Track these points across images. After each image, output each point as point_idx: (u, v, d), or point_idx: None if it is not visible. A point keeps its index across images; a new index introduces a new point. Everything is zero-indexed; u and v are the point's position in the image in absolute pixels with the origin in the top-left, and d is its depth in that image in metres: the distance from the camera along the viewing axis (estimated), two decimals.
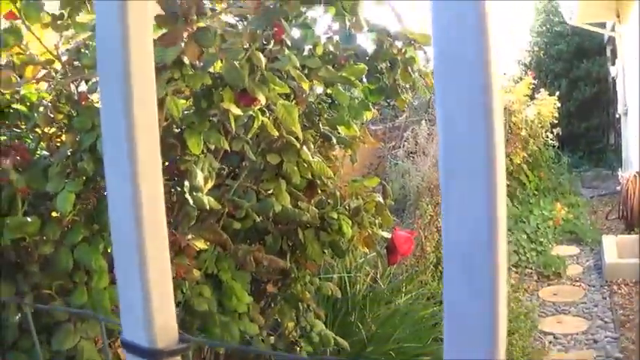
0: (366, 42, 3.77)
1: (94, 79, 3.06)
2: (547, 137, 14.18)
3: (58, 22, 3.06)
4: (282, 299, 3.88)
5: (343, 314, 5.63)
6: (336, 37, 3.73)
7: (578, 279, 10.01)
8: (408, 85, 3.88)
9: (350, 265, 6.01)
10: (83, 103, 2.97)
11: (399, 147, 9.47)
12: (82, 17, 3.11)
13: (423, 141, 9.19)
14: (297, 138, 3.41)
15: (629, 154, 14.40)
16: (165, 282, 0.78)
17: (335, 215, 3.64)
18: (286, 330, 3.93)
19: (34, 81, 3.16)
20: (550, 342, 7.87)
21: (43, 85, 3.28)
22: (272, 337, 3.85)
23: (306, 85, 3.22)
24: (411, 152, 9.20)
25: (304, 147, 3.46)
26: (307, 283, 3.93)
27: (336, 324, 5.52)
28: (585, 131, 19.71)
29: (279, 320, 3.89)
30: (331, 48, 3.72)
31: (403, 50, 3.74)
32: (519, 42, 21.49)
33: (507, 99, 12.87)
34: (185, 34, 2.81)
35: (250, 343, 3.51)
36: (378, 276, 6.24)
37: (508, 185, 12.48)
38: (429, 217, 7.80)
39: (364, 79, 3.75)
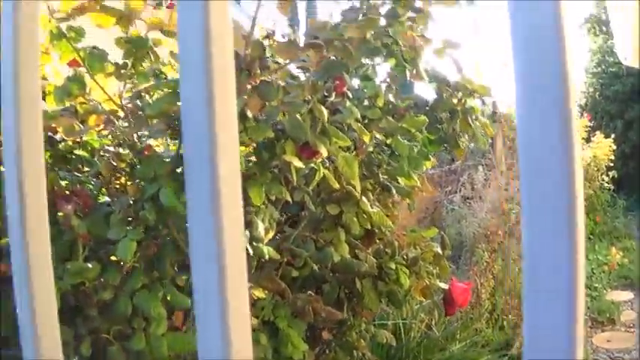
0: (425, 90, 3.78)
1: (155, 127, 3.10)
2: (602, 180, 14.04)
3: (122, 71, 3.10)
4: (336, 346, 3.86)
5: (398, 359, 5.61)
6: (395, 87, 3.74)
7: (632, 325, 9.83)
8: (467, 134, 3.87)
9: (405, 313, 5.98)
10: (146, 153, 3.00)
11: (456, 192, 9.44)
12: (146, 66, 3.15)
13: (480, 186, 9.14)
14: (356, 188, 3.41)
15: None
16: (245, 331, 0.78)
17: (393, 265, 3.63)
18: None
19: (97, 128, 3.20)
20: None
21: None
22: None
23: (367, 138, 3.22)
24: (468, 197, 9.15)
25: (363, 197, 3.45)
26: (362, 331, 3.91)
27: None
28: None
29: None
30: (391, 98, 3.72)
31: (463, 100, 3.73)
32: (576, 83, 21.35)
33: None
34: (248, 87, 2.83)
35: None
36: (433, 323, 6.19)
37: None
38: (484, 264, 7.73)
39: (423, 129, 3.75)
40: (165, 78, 3.38)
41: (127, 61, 3.09)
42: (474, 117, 3.76)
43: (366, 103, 3.62)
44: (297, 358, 3.44)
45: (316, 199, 3.45)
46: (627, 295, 11.05)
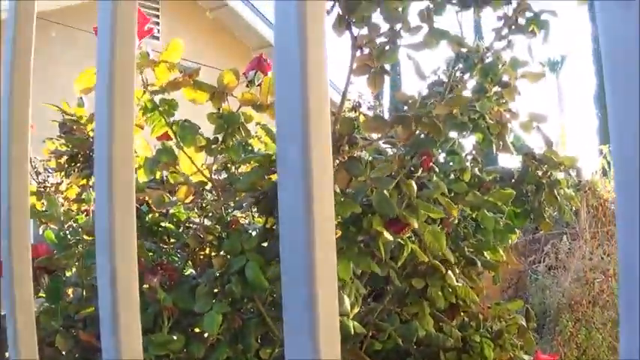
0: (509, 161, 3.75)
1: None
2: None
3: (213, 145, 3.13)
4: None
5: None
6: (481, 159, 3.72)
7: None
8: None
9: None
10: (233, 226, 3.01)
11: (539, 261, 9.29)
12: (236, 141, 3.18)
13: (564, 255, 8.99)
14: (443, 261, 3.37)
15: None
16: None
17: (477, 338, 3.56)
18: None
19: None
20: None
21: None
22: None
23: (455, 212, 3.18)
24: (551, 267, 9.00)
25: (449, 271, 3.41)
26: None
27: None
28: None
29: None
30: (477, 171, 3.69)
31: (549, 173, 3.68)
32: None
33: None
34: (335, 162, 2.83)
35: None
36: None
37: None
38: (568, 334, 7.57)
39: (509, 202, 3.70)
40: (253, 151, 3.40)
41: (217, 135, 3.12)
42: (559, 189, 3.70)
43: (452, 176, 3.58)
44: None
45: (401, 273, 3.41)
46: None
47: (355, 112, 3.57)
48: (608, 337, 8.38)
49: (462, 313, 3.72)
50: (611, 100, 0.67)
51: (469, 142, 3.74)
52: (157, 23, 12.75)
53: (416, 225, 2.89)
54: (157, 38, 12.03)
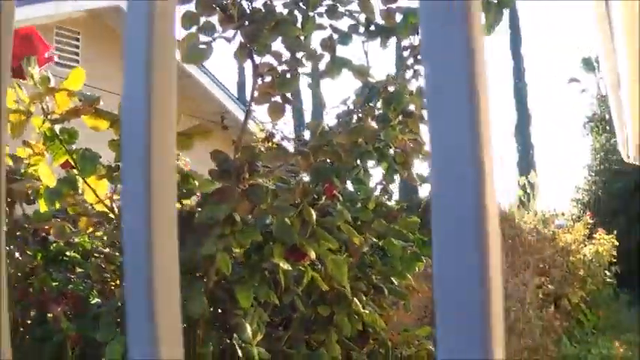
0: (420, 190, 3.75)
1: None
2: (605, 276, 13.95)
3: (114, 173, 3.07)
4: None
5: None
6: (389, 189, 3.73)
7: None
8: None
9: None
10: None
11: None
12: None
13: None
14: (352, 289, 3.36)
15: None
16: None
17: None
18: None
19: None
20: None
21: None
22: None
23: (357, 240, 3.17)
24: None
25: (355, 299, 3.39)
26: None
27: None
28: None
29: None
30: (385, 200, 3.70)
31: None
32: (577, 181, 21.44)
33: (566, 239, 12.77)
34: (238, 191, 2.81)
35: None
36: None
37: (566, 324, 12.24)
38: None
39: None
40: None
41: (118, 163, 3.06)
42: None
43: (359, 205, 3.58)
44: None
45: (308, 300, 3.39)
46: None
47: (268, 142, 3.54)
48: None
49: (371, 341, 3.71)
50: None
51: (380, 172, 3.75)
52: (77, 47, 12.59)
53: (313, 255, 2.87)
54: (77, 62, 11.86)
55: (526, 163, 18.79)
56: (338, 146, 2.93)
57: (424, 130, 3.57)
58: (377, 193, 3.70)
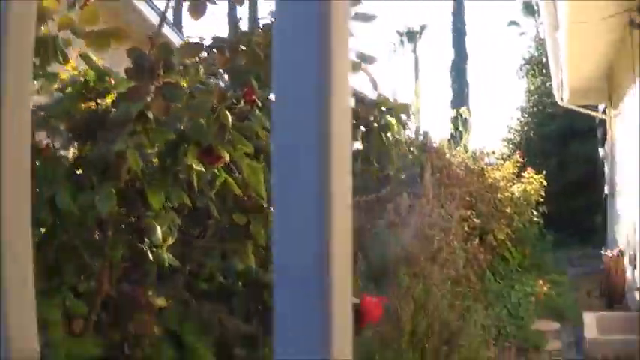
0: None
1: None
2: (533, 215, 14.13)
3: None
4: None
5: None
6: None
7: (557, 354, 9.89)
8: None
9: None
10: (45, 154, 2.88)
11: (382, 218, 9.41)
12: (54, 67, 3.04)
13: (405, 213, 9.12)
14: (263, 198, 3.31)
15: (613, 233, 14.36)
16: None
17: None
18: None
19: None
20: None
21: None
22: None
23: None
24: (392, 223, 9.12)
25: (272, 208, 3.35)
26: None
27: None
28: (573, 210, 19.60)
29: None
30: None
31: (379, 117, 3.68)
32: (510, 122, 21.63)
33: (494, 176, 12.87)
34: (153, 89, 2.74)
35: None
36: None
37: (492, 260, 12.40)
38: (405, 288, 7.67)
39: None
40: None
41: (34, 60, 2.97)
42: (390, 134, 3.70)
43: None
44: None
45: (224, 209, 3.35)
46: (553, 326, 11.14)
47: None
48: (448, 293, 8.57)
49: None
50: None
51: None
52: None
53: (227, 157, 2.82)
54: None
55: (460, 101, 18.86)
56: (256, 45, 2.86)
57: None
58: None
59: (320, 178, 0.59)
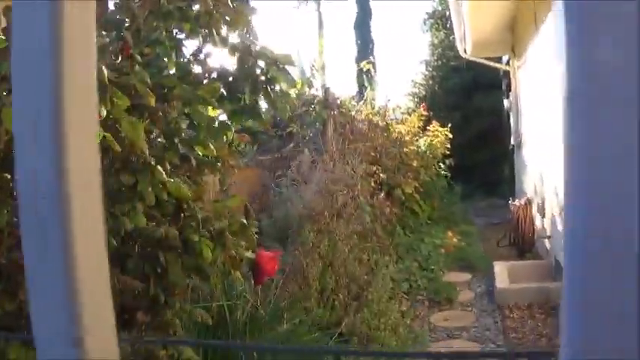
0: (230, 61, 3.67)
1: None
2: (439, 168, 14.28)
3: None
4: (152, 327, 3.70)
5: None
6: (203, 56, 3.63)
7: (469, 304, 9.99)
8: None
9: (228, 293, 5.88)
10: None
11: (284, 176, 9.39)
12: None
13: (306, 169, 9.10)
14: (153, 157, 3.26)
15: (521, 184, 14.58)
16: None
17: (196, 238, 3.49)
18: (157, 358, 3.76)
19: None
20: None
21: None
22: None
23: (152, 100, 3.05)
24: (295, 180, 9.11)
25: (159, 167, 3.30)
26: (179, 311, 3.77)
27: (218, 352, 5.37)
28: (479, 162, 19.87)
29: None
30: (196, 68, 3.60)
31: (265, 70, 3.63)
32: (414, 76, 21.79)
33: (399, 130, 12.93)
34: None
35: None
36: (259, 303, 6.08)
37: (401, 214, 12.50)
38: (310, 244, 7.66)
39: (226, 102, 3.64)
40: None
41: None
42: (276, 87, 3.66)
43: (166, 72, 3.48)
44: None
45: (111, 170, 3.28)
46: (464, 277, 11.27)
47: None
48: (355, 249, 8.60)
49: (185, 216, 3.65)
50: None
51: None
52: None
53: (104, 113, 2.75)
54: None
55: (365, 57, 18.85)
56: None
57: None
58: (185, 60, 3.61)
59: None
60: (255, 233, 3.91)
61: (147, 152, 3.08)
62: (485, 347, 8.06)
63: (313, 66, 10.75)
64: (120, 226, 3.24)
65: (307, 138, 10.37)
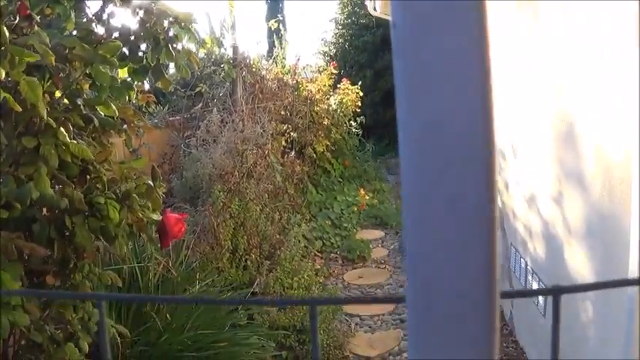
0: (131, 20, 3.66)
1: None
2: (351, 126, 14.34)
3: None
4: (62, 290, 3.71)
5: (137, 305, 5.49)
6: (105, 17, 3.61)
7: (383, 261, 10.15)
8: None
9: (139, 256, 5.89)
10: None
11: (193, 136, 9.36)
12: None
13: (215, 129, 9.08)
14: (56, 118, 3.24)
15: None
16: None
17: (102, 200, 3.50)
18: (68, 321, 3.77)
19: None
20: (357, 324, 7.87)
21: None
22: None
23: (51, 59, 3.04)
24: (204, 140, 9.09)
25: (62, 129, 3.29)
26: (89, 274, 3.78)
27: (130, 315, 5.39)
28: (391, 120, 19.96)
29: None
30: (99, 30, 3.59)
31: (167, 28, 3.64)
32: (325, 34, 21.77)
33: (309, 89, 12.93)
34: None
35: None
36: (171, 265, 6.11)
37: (313, 173, 12.57)
38: (221, 204, 7.67)
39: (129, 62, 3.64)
40: None
41: None
42: (178, 46, 3.67)
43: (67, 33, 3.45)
44: (14, 303, 3.27)
45: (13, 133, 3.26)
46: (377, 234, 11.40)
47: None
48: (266, 208, 8.65)
49: (90, 178, 3.65)
50: None
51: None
52: None
53: (3, 74, 2.74)
54: None
55: (275, 16, 18.73)
56: None
57: None
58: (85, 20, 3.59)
59: None
60: (166, 194, 3.92)
61: (45, 114, 3.07)
62: (399, 304, 8.14)
63: (223, 25, 10.69)
64: (25, 193, 3.23)
65: (216, 98, 10.33)
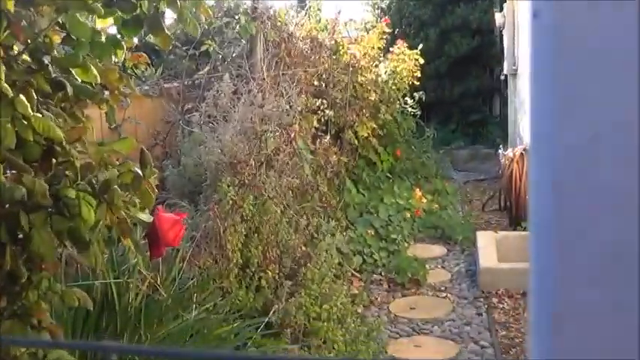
0: None
1: None
2: (406, 104, 14.17)
3: None
4: (10, 315, 3.67)
5: (110, 334, 5.44)
6: None
7: (443, 288, 9.95)
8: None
9: (117, 269, 5.83)
10: None
11: (196, 110, 9.26)
12: None
13: (226, 102, 8.92)
14: (14, 83, 3.22)
15: (517, 127, 14.44)
16: None
17: (72, 193, 3.46)
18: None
19: None
20: None
21: None
22: None
23: (9, 4, 3.02)
24: (210, 117, 8.96)
25: (22, 96, 3.25)
26: (47, 291, 3.74)
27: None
28: (460, 98, 19.78)
29: None
30: None
31: None
32: None
33: (352, 53, 12.76)
34: None
35: None
36: (159, 282, 6.03)
37: (353, 165, 12.45)
38: (230, 203, 7.54)
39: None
40: None
41: None
42: None
43: None
44: None
45: None
46: (437, 251, 11.25)
47: None
48: (289, 210, 8.57)
49: (55, 160, 3.61)
50: None
51: None
52: None
53: None
54: None
55: None
56: None
57: None
58: None
59: None
60: (157, 187, 3.88)
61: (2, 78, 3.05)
62: (464, 348, 8.01)
63: None
64: None
65: (228, 60, 10.27)
